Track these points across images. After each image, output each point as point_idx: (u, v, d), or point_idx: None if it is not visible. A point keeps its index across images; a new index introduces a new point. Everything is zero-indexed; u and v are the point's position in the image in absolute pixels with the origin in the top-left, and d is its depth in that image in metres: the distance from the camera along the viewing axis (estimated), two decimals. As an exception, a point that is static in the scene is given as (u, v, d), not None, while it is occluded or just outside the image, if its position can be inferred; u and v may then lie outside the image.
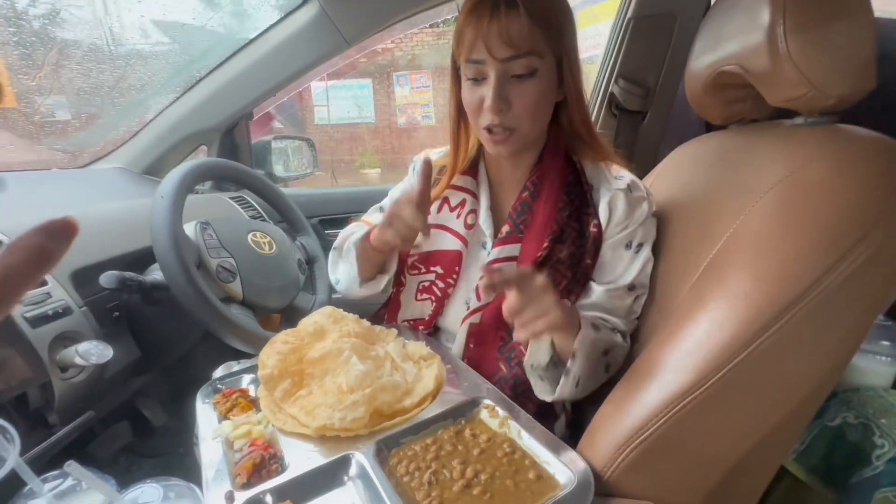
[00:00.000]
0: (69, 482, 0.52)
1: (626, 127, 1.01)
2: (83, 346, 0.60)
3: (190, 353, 1.15)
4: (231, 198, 1.23)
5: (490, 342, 0.74)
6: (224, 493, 0.47)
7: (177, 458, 1.31)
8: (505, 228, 0.75)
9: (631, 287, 0.71)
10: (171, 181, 0.70)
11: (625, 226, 0.71)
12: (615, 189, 0.72)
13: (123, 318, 0.78)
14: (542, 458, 0.52)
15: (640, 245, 0.72)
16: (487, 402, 0.61)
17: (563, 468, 0.49)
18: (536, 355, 0.66)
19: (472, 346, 0.75)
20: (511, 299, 0.58)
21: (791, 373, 0.46)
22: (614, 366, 0.69)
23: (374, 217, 0.90)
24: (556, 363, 0.66)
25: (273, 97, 1.18)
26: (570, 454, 0.51)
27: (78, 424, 0.61)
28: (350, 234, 0.87)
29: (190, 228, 0.74)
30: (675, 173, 0.79)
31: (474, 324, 0.75)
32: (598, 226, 0.72)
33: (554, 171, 0.75)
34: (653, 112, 1.01)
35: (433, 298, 0.80)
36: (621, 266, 0.72)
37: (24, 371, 0.54)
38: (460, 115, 0.76)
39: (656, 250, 0.72)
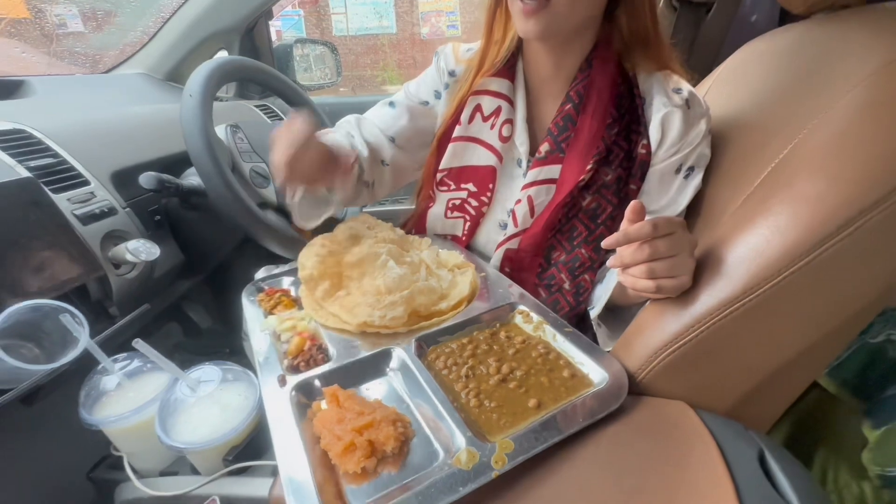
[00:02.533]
0: (136, 364, 0.56)
1: (686, 22, 0.89)
2: (132, 244, 0.63)
3: (229, 260, 1.20)
4: (256, 105, 1.19)
5: (528, 268, 0.72)
6: (277, 376, 0.50)
7: (223, 357, 1.43)
8: (544, 147, 0.68)
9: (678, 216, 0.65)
10: (198, 78, 0.67)
11: (677, 149, 0.64)
12: (672, 105, 0.63)
13: (165, 222, 0.80)
14: (577, 360, 0.53)
15: (692, 169, 0.65)
16: (522, 307, 0.62)
17: (597, 368, 0.51)
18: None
19: (507, 270, 0.73)
20: (647, 247, 0.46)
21: (848, 286, 0.44)
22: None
23: (382, 111, 0.80)
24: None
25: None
26: (604, 355, 0.52)
27: (137, 315, 0.66)
28: (346, 132, 0.79)
29: (220, 131, 0.73)
30: (739, 75, 0.71)
31: (511, 249, 0.72)
32: (648, 147, 0.65)
33: (603, 80, 0.65)
34: (720, 4, 0.88)
35: (466, 217, 0.76)
36: (668, 195, 0.66)
37: (81, 264, 0.57)
38: None
39: (716, 160, 0.67)
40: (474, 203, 0.74)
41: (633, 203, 0.47)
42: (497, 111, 0.71)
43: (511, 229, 0.71)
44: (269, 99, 1.27)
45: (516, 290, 0.65)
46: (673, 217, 0.47)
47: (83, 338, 0.51)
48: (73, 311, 0.49)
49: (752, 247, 0.45)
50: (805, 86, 0.55)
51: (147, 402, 0.53)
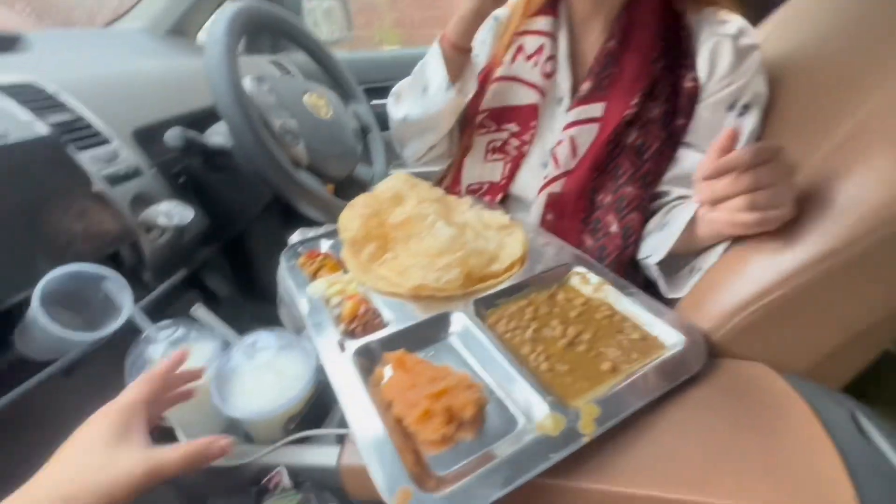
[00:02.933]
0: (181, 331, 0.54)
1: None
2: (164, 206, 0.59)
3: (248, 228, 1.17)
4: (270, 61, 1.12)
5: (572, 213, 0.69)
6: (336, 341, 0.48)
7: (244, 325, 1.42)
8: (585, 86, 0.66)
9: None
10: (221, 23, 0.61)
11: (729, 81, 0.61)
12: (720, 34, 0.60)
13: (189, 184, 0.76)
14: (645, 321, 0.51)
15: (746, 107, 0.62)
16: (579, 269, 0.59)
17: (668, 329, 0.48)
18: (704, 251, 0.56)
19: (549, 217, 0.71)
20: (747, 177, 0.42)
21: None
22: None
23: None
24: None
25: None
26: (674, 316, 0.50)
27: (175, 281, 0.63)
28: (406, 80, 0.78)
29: (246, 84, 0.67)
30: (805, 18, 0.65)
31: (554, 193, 0.69)
32: (696, 80, 0.62)
33: (648, 15, 0.63)
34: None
35: (507, 158, 0.74)
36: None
37: (115, 229, 0.54)
38: None
39: (778, 108, 0.62)
40: (516, 143, 0.72)
41: (727, 129, 0.44)
42: (540, 49, 0.70)
43: (552, 171, 0.69)
44: (283, 55, 1.19)
45: (568, 250, 0.62)
46: (770, 142, 0.44)
47: (127, 305, 0.48)
48: (115, 276, 0.46)
49: (850, 196, 0.42)
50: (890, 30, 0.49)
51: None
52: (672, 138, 0.64)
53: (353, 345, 0.47)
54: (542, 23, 0.69)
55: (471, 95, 0.73)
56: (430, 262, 0.55)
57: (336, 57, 0.91)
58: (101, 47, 0.97)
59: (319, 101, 0.79)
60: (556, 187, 0.69)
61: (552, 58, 0.69)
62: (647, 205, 0.66)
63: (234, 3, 0.66)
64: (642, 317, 0.51)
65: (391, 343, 0.48)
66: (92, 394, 0.58)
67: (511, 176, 0.74)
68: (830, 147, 0.49)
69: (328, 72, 0.91)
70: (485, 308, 0.54)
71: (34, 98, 0.57)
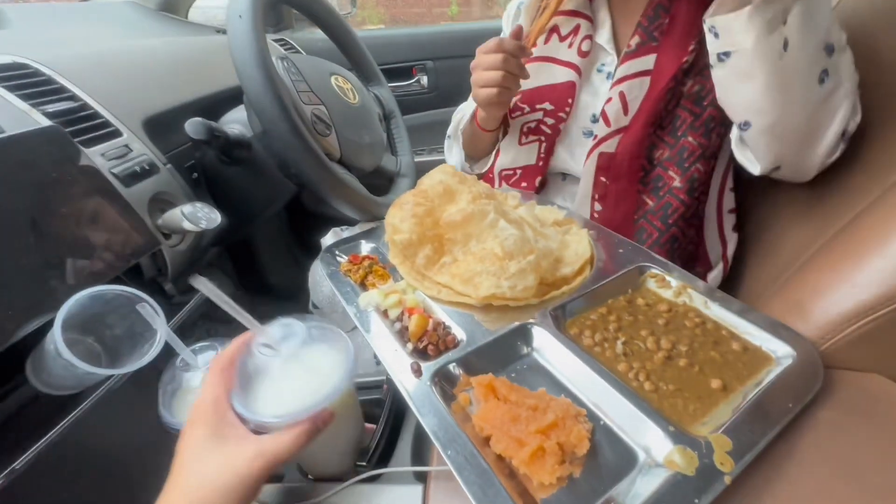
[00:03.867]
0: (211, 353, 0.47)
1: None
2: (188, 209, 0.51)
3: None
4: (275, 40, 1.02)
5: (627, 174, 0.66)
6: (409, 364, 0.42)
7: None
8: (634, 40, 0.64)
9: (829, 49, 0.50)
10: (246, -4, 0.52)
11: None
12: None
13: (202, 180, 0.67)
14: (742, 329, 0.46)
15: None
16: (654, 270, 0.54)
17: (771, 338, 0.44)
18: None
19: (603, 179, 0.67)
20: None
21: None
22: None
23: None
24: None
25: None
26: (774, 322, 0.45)
27: (201, 294, 0.56)
28: (461, 116, 0.81)
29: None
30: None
31: (605, 153, 0.66)
32: None
33: None
34: None
35: (542, 138, 0.72)
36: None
37: (136, 237, 0.46)
38: None
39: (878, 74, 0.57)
40: (550, 121, 0.71)
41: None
42: (575, 29, 0.69)
43: (603, 130, 0.66)
44: (286, 33, 1.09)
45: (635, 247, 0.57)
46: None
47: (161, 328, 0.41)
48: (149, 300, 0.39)
49: None
50: None
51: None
52: None
53: (430, 367, 0.42)
54: (576, 3, 0.69)
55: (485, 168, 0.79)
56: (500, 268, 0.49)
57: (358, 38, 0.82)
58: (91, 23, 0.86)
59: (346, 85, 0.71)
60: (609, 146, 0.66)
61: (588, 37, 0.68)
62: (712, 152, 0.63)
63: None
64: (737, 324, 0.47)
65: (470, 363, 0.43)
66: (120, 419, 0.51)
67: (548, 156, 0.73)
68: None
69: (348, 51, 0.83)
70: (564, 318, 0.48)
71: (28, 82, 0.48)
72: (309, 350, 0.42)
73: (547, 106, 0.70)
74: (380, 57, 1.16)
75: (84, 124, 0.49)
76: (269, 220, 1.09)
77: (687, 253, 0.67)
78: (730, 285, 0.71)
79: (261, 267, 1.29)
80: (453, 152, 0.83)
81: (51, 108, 0.47)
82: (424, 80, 1.14)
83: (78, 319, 0.39)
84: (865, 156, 0.56)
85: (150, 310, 0.38)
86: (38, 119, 0.44)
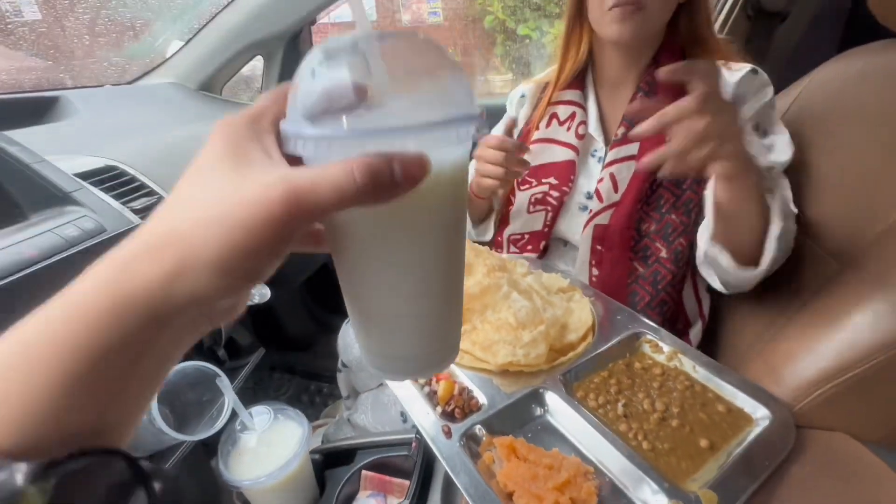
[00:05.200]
0: (271, 415, 0.54)
1: (760, 32, 0.89)
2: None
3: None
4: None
5: (620, 244, 0.74)
6: (441, 427, 0.49)
7: (266, 374, 1.40)
8: (620, 130, 0.75)
9: (769, 169, 0.65)
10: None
11: (750, 106, 0.68)
12: (739, 72, 0.67)
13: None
14: (726, 392, 0.53)
15: (766, 132, 0.68)
16: (649, 336, 0.61)
17: (750, 400, 0.51)
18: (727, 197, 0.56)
19: (599, 247, 0.76)
20: (687, 103, 0.47)
21: None
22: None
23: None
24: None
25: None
26: (753, 386, 0.52)
27: (256, 361, 0.63)
28: None
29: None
30: (835, 90, 0.71)
31: (600, 225, 0.75)
32: None
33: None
34: (795, 14, 0.88)
35: (548, 208, 0.81)
36: (755, 148, 0.67)
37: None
38: (580, 11, 0.74)
39: (807, 179, 0.68)
40: (555, 194, 0.80)
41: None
42: (572, 116, 0.80)
43: (597, 205, 0.75)
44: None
45: (630, 314, 0.65)
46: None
47: (229, 395, 0.48)
48: (215, 370, 0.46)
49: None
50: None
51: (290, 460, 0.51)
52: None
53: (458, 429, 0.48)
54: (571, 94, 0.79)
55: (488, 236, 0.88)
56: (515, 337, 0.57)
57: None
58: (143, 105, 0.97)
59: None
60: (603, 219, 0.75)
61: (583, 122, 0.78)
62: (692, 230, 0.71)
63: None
64: (721, 387, 0.54)
65: (492, 424, 0.50)
66: (187, 477, 0.57)
67: (552, 224, 0.81)
68: (891, 222, 0.53)
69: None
70: (571, 381, 0.56)
71: (117, 182, 0.57)
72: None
73: (552, 180, 0.80)
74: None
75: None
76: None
77: (673, 313, 0.74)
78: (715, 346, 0.78)
79: (279, 316, 1.36)
80: None
81: (137, 204, 0.56)
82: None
83: (162, 390, 0.46)
84: (826, 235, 0.65)
85: (225, 381, 0.46)
86: (129, 217, 0.53)
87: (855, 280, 0.53)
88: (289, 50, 1.13)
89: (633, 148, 0.73)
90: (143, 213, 0.56)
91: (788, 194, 0.65)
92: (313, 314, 1.44)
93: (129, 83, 1.15)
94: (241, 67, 1.21)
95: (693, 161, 0.49)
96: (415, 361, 0.26)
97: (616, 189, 0.74)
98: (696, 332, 0.76)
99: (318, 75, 0.20)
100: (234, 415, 0.52)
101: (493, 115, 0.92)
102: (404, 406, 0.53)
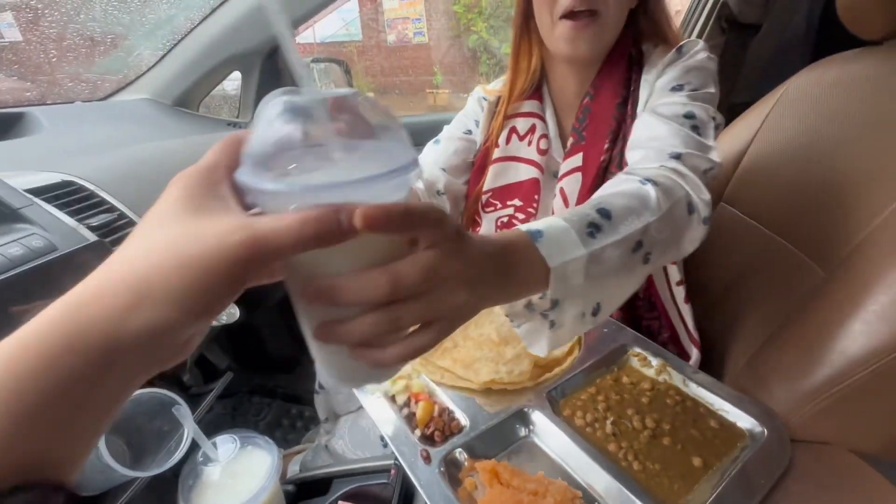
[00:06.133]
0: (237, 445, 0.50)
1: (734, 44, 0.90)
2: (210, 305, 0.56)
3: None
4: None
5: None
6: (419, 451, 0.45)
7: (245, 398, 1.34)
8: (570, 141, 0.69)
9: (688, 116, 0.55)
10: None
11: (671, 69, 0.61)
12: (665, 61, 0.62)
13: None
14: (717, 406, 0.51)
15: (695, 90, 0.58)
16: (636, 349, 0.59)
17: (743, 415, 0.49)
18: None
19: None
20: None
21: None
22: (661, 247, 0.43)
23: (429, 149, 0.81)
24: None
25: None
26: (745, 399, 0.50)
27: (222, 385, 0.59)
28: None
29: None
30: (811, 98, 0.72)
31: None
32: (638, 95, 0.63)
33: (615, 68, 0.66)
34: (768, 26, 0.90)
35: None
36: (674, 103, 0.58)
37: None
38: (525, 24, 0.68)
39: (789, 186, 0.68)
40: (521, 217, 0.75)
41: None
42: (532, 129, 0.73)
43: None
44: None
45: (618, 326, 0.63)
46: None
47: (188, 425, 0.44)
48: (180, 401, 0.42)
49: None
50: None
51: (257, 493, 0.47)
52: None
53: (438, 454, 0.45)
54: (530, 105, 0.73)
55: None
56: (497, 354, 0.54)
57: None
58: (115, 122, 0.94)
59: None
60: None
61: (545, 136, 0.72)
62: None
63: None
64: (713, 401, 0.52)
65: (474, 447, 0.47)
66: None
67: None
68: (871, 228, 0.53)
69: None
70: (557, 399, 0.53)
71: (74, 199, 0.54)
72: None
73: (517, 202, 0.74)
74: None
75: (122, 233, 0.54)
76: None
77: (657, 334, 0.70)
78: (705, 358, 0.76)
79: (259, 341, 1.31)
80: None
81: (94, 221, 0.52)
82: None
83: (118, 422, 0.42)
84: (811, 242, 0.64)
85: (183, 410, 0.42)
86: (84, 234, 0.50)
87: (842, 287, 0.51)
88: (266, 65, 1.12)
89: (578, 159, 0.68)
90: (102, 230, 0.52)
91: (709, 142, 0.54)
92: (294, 333, 1.39)
93: (102, 99, 1.12)
94: (218, 83, 1.19)
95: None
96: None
97: (567, 204, 0.69)
98: (693, 360, 0.70)
99: (274, 126, 0.22)
100: (197, 445, 0.49)
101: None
102: (381, 430, 0.49)
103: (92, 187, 0.57)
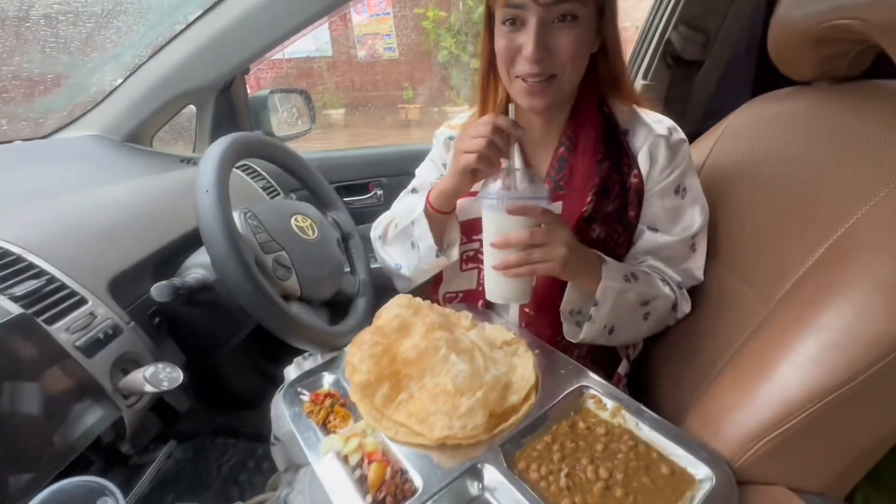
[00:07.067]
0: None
1: (679, 79, 0.94)
2: (149, 372, 0.53)
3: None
4: (237, 167, 1.09)
5: (549, 306, 0.72)
6: (369, 522, 0.44)
7: (207, 441, 1.29)
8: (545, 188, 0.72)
9: (693, 236, 0.71)
10: (212, 170, 0.59)
11: (670, 171, 0.70)
12: (656, 135, 0.69)
13: (164, 322, 0.70)
14: (668, 451, 0.52)
15: (686, 190, 0.71)
16: (592, 391, 0.60)
17: (693, 460, 0.50)
18: (569, 299, 0.69)
19: (528, 311, 0.75)
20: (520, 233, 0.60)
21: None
22: (656, 316, 0.71)
23: (407, 199, 0.85)
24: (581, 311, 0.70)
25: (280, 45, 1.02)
26: (695, 443, 0.51)
27: (164, 457, 0.56)
28: (389, 220, 0.83)
29: (236, 220, 0.65)
30: (752, 132, 0.75)
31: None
32: (640, 175, 0.70)
33: (589, 123, 0.71)
34: (710, 62, 0.94)
35: (480, 266, 0.78)
36: (681, 216, 0.71)
37: (95, 411, 0.47)
38: (491, 67, 0.71)
39: (734, 220, 0.70)
40: None
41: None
42: (497, 167, 0.74)
43: None
44: (252, 160, 1.18)
45: (575, 367, 0.63)
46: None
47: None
48: (111, 488, 0.40)
49: (841, 332, 0.46)
50: (850, 159, 0.57)
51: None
52: (627, 230, 0.72)
53: (389, 522, 0.44)
54: None
55: (456, 256, 0.77)
56: (452, 407, 0.53)
57: (314, 169, 0.91)
58: (56, 163, 0.90)
59: (305, 223, 0.78)
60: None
61: (511, 173, 0.73)
62: None
63: (221, 142, 0.65)
64: (664, 445, 0.52)
65: (426, 512, 0.46)
66: None
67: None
68: (806, 267, 0.55)
69: (305, 182, 0.91)
70: (512, 450, 0.52)
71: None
72: None
73: (482, 237, 0.74)
74: (340, 175, 1.27)
75: (50, 299, 0.51)
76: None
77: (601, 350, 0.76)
78: (654, 393, 0.78)
79: (221, 378, 1.27)
80: (393, 252, 0.80)
81: (18, 290, 0.49)
82: (380, 193, 1.25)
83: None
84: (754, 278, 0.66)
85: (113, 502, 0.40)
86: (7, 306, 0.47)
87: (780, 325, 0.53)
88: (221, 99, 1.10)
89: (557, 207, 0.71)
90: (27, 299, 0.49)
91: (695, 264, 0.70)
92: (260, 367, 1.35)
93: (44, 137, 1.08)
94: (171, 117, 1.16)
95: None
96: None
97: None
98: (623, 368, 0.77)
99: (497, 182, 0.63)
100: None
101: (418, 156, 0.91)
102: (331, 496, 0.48)
103: (18, 251, 0.53)
